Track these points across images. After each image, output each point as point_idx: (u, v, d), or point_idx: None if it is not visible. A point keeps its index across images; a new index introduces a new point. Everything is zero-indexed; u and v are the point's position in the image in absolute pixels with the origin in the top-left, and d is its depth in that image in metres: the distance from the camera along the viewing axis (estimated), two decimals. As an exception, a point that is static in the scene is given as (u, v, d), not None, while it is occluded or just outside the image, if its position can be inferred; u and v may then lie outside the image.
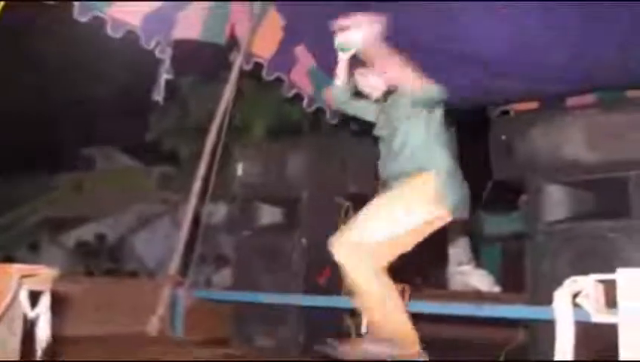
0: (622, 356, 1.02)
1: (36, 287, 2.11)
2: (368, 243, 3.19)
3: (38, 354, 2.15)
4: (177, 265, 5.29)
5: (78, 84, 15.79)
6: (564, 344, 1.07)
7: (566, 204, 4.00)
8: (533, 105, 5.98)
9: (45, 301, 2.12)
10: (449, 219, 3.35)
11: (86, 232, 16.04)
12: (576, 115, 4.16)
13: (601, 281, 1.10)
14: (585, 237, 3.80)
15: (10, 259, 14.12)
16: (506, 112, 6.25)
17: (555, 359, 1.11)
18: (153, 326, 4.95)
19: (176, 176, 14.82)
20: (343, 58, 3.58)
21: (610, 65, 4.88)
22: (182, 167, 13.65)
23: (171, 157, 14.20)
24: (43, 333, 2.12)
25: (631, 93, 5.29)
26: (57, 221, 17.74)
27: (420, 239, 3.35)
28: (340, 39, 3.48)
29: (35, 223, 18.56)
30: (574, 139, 4.00)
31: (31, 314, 2.10)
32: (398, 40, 3.28)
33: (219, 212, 10.47)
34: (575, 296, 1.10)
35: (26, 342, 2.14)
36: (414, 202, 3.28)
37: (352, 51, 3.49)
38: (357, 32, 3.39)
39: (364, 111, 3.82)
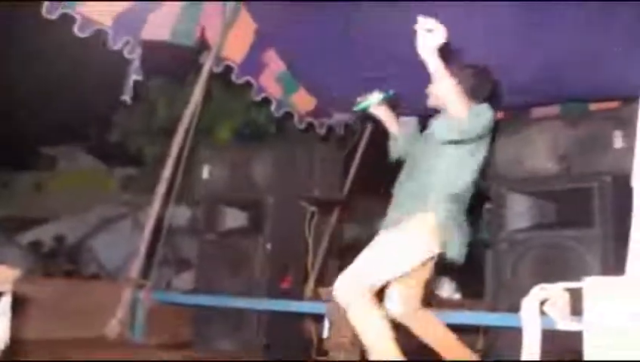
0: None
1: (-4, 288, 2.07)
2: (370, 288, 3.07)
3: (-4, 355, 2.11)
4: (139, 268, 5.22)
5: (42, 81, 15.57)
6: (532, 350, 1.09)
7: (529, 214, 4.07)
8: (499, 115, 6.04)
9: (6, 302, 2.08)
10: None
11: (45, 233, 15.71)
12: (540, 127, 4.24)
13: (568, 289, 1.11)
14: (546, 246, 3.87)
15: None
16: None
17: (524, 356, 1.12)
18: (113, 329, 4.88)
19: (139, 177, 14.66)
20: (375, 113, 3.56)
21: (575, 77, 4.95)
22: (146, 168, 13.51)
23: (135, 159, 14.07)
24: (1, 334, 2.08)
25: (594, 106, 5.38)
26: (15, 221, 17.39)
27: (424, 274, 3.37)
28: (357, 106, 3.50)
29: (-9, 222, 18.20)
30: (538, 150, 4.07)
31: (-12, 315, 2.06)
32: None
33: (181, 215, 10.38)
34: (542, 303, 1.11)
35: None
36: (413, 245, 3.16)
37: (373, 105, 3.50)
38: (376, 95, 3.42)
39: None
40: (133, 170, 16.23)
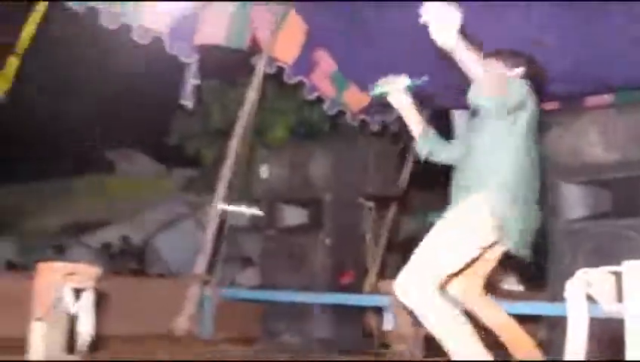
0: (628, 347, 1.10)
1: (79, 285, 2.23)
2: (433, 283, 2.84)
3: (80, 348, 2.28)
4: (204, 265, 5.39)
5: (99, 87, 15.98)
6: (578, 336, 1.16)
7: (584, 203, 4.07)
8: (553, 105, 6.03)
9: (87, 297, 2.25)
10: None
11: (110, 234, 16.21)
12: (594, 115, 4.24)
13: (613, 273, 1.18)
14: (603, 235, 3.87)
15: (36, 262, 14.27)
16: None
17: (568, 346, 1.19)
18: (181, 325, 5.05)
19: (199, 178, 14.98)
20: (394, 103, 3.18)
21: (629, 64, 4.92)
22: (205, 169, 13.81)
23: (194, 160, 14.36)
24: (85, 328, 2.24)
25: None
26: (81, 224, 17.95)
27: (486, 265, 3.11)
28: (373, 90, 3.12)
29: (59, 226, 18.78)
30: (592, 139, 4.07)
31: (73, 310, 2.22)
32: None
33: (243, 213, 10.58)
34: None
35: (69, 336, 2.27)
36: (465, 230, 2.92)
37: (389, 92, 3.10)
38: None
39: (450, 153, 3.29)
40: (193, 172, 16.55)
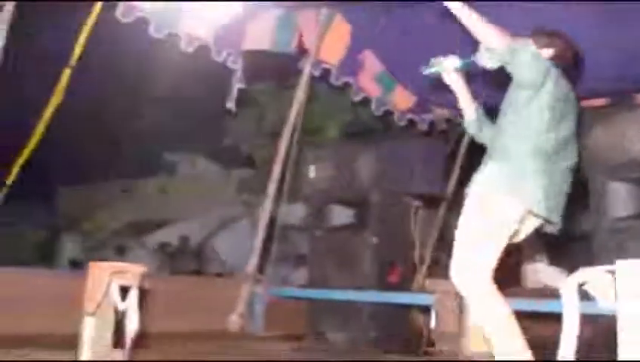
0: (620, 341, 1.15)
1: (126, 283, 2.38)
2: (485, 272, 2.90)
3: (128, 343, 2.42)
4: (255, 264, 5.52)
5: (158, 94, 16.42)
6: (570, 329, 1.22)
7: (630, 202, 4.04)
8: (601, 102, 5.95)
9: (134, 295, 2.38)
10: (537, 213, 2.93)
11: (170, 234, 16.60)
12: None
13: (609, 272, 1.23)
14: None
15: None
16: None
17: (563, 337, 1.25)
18: (234, 323, 5.19)
19: (254, 179, 15.21)
20: (448, 81, 3.27)
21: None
22: (259, 170, 14.05)
23: (249, 161, 14.63)
24: (132, 325, 2.38)
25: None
26: (142, 224, 18.42)
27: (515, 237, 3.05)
28: (428, 68, 3.23)
29: (120, 227, 19.33)
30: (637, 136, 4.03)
31: (121, 307, 2.37)
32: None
33: (296, 212, 10.72)
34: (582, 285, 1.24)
35: (117, 332, 2.41)
36: (487, 207, 2.95)
37: (441, 70, 3.21)
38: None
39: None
40: (248, 172, 16.82)
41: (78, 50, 4.23)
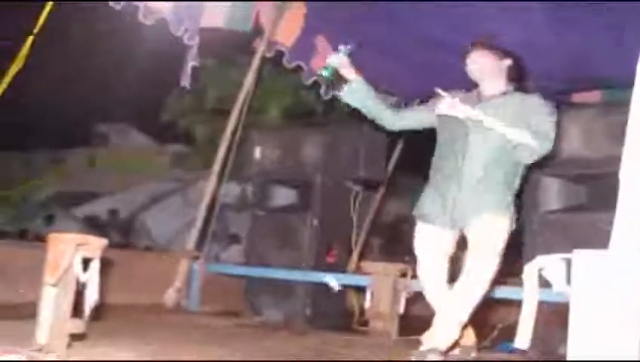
0: (571, 329, 1.28)
1: (88, 255, 2.41)
2: None
3: (87, 313, 2.46)
4: (194, 241, 5.55)
5: (96, 61, 16.07)
6: (529, 311, 1.35)
7: (561, 197, 4.26)
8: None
9: (95, 267, 2.42)
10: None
11: (99, 207, 16.35)
12: (577, 112, 4.42)
13: (565, 260, 1.37)
14: (576, 226, 4.06)
15: (25, 231, 14.47)
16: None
17: (521, 319, 1.38)
18: (170, 297, 5.23)
19: (189, 155, 15.13)
20: (346, 75, 3.56)
21: (616, 65, 5.08)
22: (196, 146, 13.96)
23: (186, 137, 14.50)
24: (92, 295, 2.42)
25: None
26: (71, 195, 18.06)
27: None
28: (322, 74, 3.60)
29: (48, 197, 18.90)
30: (573, 134, 4.25)
31: (82, 278, 2.40)
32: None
33: (231, 192, 10.75)
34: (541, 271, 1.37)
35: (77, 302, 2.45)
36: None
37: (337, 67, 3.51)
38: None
39: (379, 111, 3.68)
40: (183, 148, 16.67)
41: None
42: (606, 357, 1.21)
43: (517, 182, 3.45)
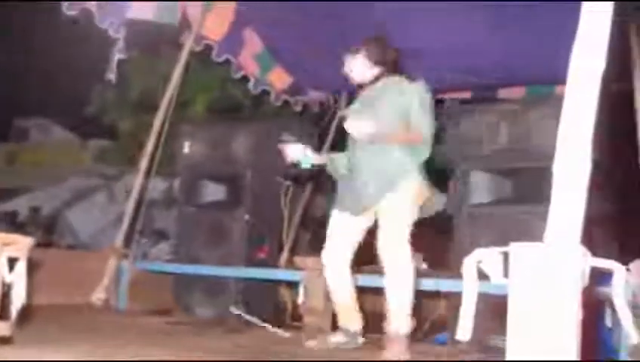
0: (509, 323, 1.32)
1: (14, 254, 2.32)
2: None
3: (13, 315, 2.37)
4: (122, 238, 5.45)
5: (17, 54, 15.54)
6: (468, 306, 1.37)
7: (489, 190, 4.37)
8: (465, 94, 6.34)
9: (21, 267, 2.33)
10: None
11: (20, 204, 15.83)
12: (504, 107, 4.54)
13: (502, 253, 1.40)
14: (502, 219, 4.18)
15: (-61, 230, 13.86)
16: (440, 101, 6.58)
17: (462, 311, 1.41)
18: (99, 296, 5.11)
19: (113, 150, 14.75)
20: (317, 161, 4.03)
21: (540, 62, 5.25)
22: (120, 141, 13.63)
23: (109, 132, 14.13)
24: (18, 297, 2.33)
25: (559, 89, 5.68)
26: (-11, 192, 17.43)
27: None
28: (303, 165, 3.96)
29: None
30: (500, 129, 4.36)
31: (8, 279, 2.31)
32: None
33: (157, 187, 10.57)
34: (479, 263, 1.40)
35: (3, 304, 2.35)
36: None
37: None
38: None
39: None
40: (106, 143, 16.26)
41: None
42: (545, 351, 1.25)
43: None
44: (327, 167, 4.03)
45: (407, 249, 3.52)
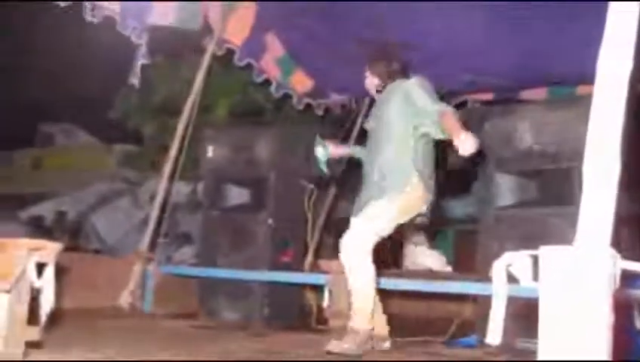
0: (540, 323, 1.31)
1: (42, 260, 2.34)
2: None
3: (43, 319, 2.39)
4: (148, 242, 5.48)
5: (43, 60, 15.71)
6: (498, 308, 1.36)
7: (514, 192, 4.33)
8: (488, 96, 6.31)
9: (50, 272, 2.35)
10: None
11: (46, 209, 15.96)
12: (527, 108, 4.50)
13: (532, 256, 1.39)
14: (528, 221, 4.14)
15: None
16: (463, 103, 6.54)
17: (491, 315, 1.40)
18: (125, 300, 5.15)
19: (137, 155, 14.83)
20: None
21: (563, 63, 5.21)
22: (144, 145, 13.71)
23: (133, 136, 14.21)
24: (47, 301, 2.36)
25: (581, 90, 5.63)
26: (16, 198, 17.61)
27: None
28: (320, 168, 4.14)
29: (-5, 199, 18.40)
30: (524, 131, 4.32)
31: (37, 284, 2.33)
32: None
33: (181, 191, 10.61)
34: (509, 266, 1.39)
35: (32, 308, 2.38)
36: None
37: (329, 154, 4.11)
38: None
39: None
40: (131, 147, 16.35)
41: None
42: (576, 353, 1.24)
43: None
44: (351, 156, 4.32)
45: (362, 252, 3.72)
